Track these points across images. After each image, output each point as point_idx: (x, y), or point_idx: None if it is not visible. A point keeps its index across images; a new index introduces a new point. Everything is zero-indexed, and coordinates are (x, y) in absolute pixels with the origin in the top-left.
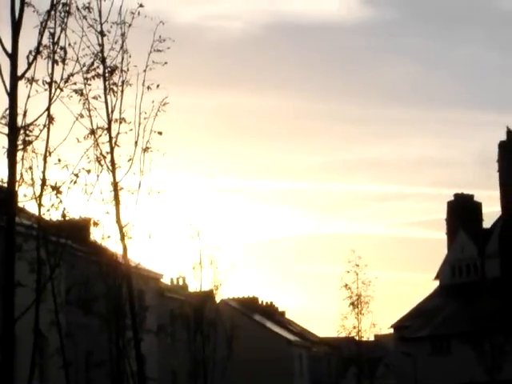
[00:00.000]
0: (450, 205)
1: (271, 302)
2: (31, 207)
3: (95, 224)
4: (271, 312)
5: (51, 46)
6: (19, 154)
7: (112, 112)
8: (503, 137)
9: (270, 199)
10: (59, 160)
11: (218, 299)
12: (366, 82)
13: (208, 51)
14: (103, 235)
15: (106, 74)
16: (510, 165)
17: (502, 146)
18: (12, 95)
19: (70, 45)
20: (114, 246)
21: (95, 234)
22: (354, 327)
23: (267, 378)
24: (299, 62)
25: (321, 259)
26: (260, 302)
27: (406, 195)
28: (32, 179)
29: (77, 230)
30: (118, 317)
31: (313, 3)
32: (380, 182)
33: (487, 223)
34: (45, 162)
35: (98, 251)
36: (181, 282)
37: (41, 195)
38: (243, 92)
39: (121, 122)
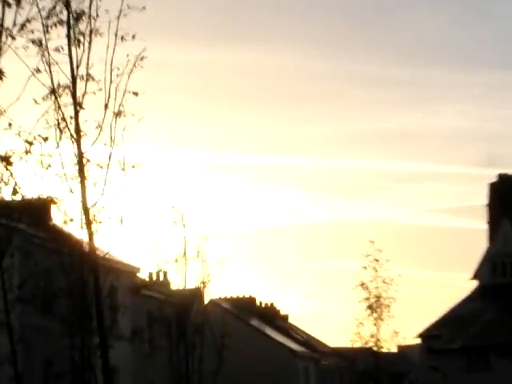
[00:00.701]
0: (493, 187)
1: (271, 304)
2: None
3: (54, 203)
4: (271, 316)
5: None
6: None
7: (77, 67)
8: None
9: (270, 179)
10: (10, 124)
11: (206, 299)
12: (389, 36)
13: None
14: (65, 218)
15: (71, 21)
16: None
17: None
18: None
19: None
20: (78, 231)
21: (56, 217)
22: (372, 336)
23: None
24: (305, 11)
25: (332, 252)
26: (258, 304)
27: (439, 175)
28: None
29: (34, 212)
30: (83, 319)
31: None
32: (407, 158)
33: None
34: None
35: (59, 238)
36: (161, 278)
37: None
38: (237, 47)
39: (88, 80)
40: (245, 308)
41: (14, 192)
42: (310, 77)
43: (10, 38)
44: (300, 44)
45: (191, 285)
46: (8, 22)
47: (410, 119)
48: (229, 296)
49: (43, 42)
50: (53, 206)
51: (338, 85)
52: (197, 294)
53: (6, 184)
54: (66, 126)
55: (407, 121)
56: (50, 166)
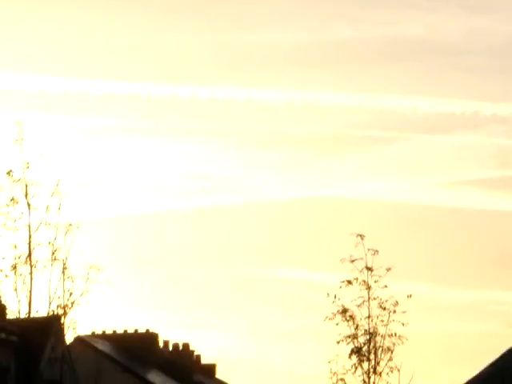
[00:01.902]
0: None
1: (185, 345)
2: None
3: None
4: (186, 367)
5: None
6: None
7: None
8: None
9: (188, 126)
10: None
11: (68, 336)
12: None
13: None
14: None
15: None
16: None
17: None
18: None
19: None
20: None
21: None
22: None
23: None
24: None
25: (289, 255)
26: (162, 345)
27: (477, 123)
28: None
29: None
30: None
31: None
32: (424, 92)
33: None
34: None
35: None
36: None
37: None
38: None
39: None
40: (139, 352)
41: None
42: None
43: None
44: None
45: (42, 311)
46: None
47: (430, 23)
48: (110, 330)
49: None
50: None
51: None
52: (52, 326)
53: None
54: None
55: (427, 26)
56: None
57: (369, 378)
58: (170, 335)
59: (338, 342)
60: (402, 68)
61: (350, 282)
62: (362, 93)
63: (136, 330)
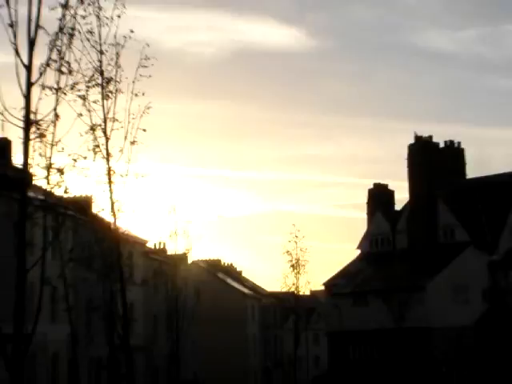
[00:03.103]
0: (370, 192)
1: (231, 264)
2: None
3: (91, 200)
4: (231, 271)
5: (58, 60)
6: (34, 144)
7: (107, 113)
8: (412, 140)
9: (233, 185)
10: (63, 148)
11: (189, 260)
12: (310, 95)
13: (188, 70)
14: (99, 208)
15: (104, 84)
16: (417, 162)
17: (411, 147)
18: (27, 98)
19: (76, 60)
20: (109, 217)
21: (94, 207)
22: (294, 284)
23: (227, 323)
24: (258, 80)
25: (270, 231)
26: (223, 264)
27: (339, 184)
28: (49, 163)
29: (80, 204)
30: (111, 272)
31: (269, 34)
32: (318, 173)
33: (398, 206)
34: (51, 149)
35: (96, 220)
36: (161, 246)
37: (48, 175)
38: (215, 102)
39: (114, 121)
40: (214, 266)
41: (65, 191)
42: (261, 120)
43: (63, 94)
44: (256, 102)
45: (180, 251)
46: (62, 84)
47: (321, 148)
48: (204, 258)
49: (86, 96)
50: (93, 200)
51: (278, 126)
52: (183, 257)
53: (59, 186)
54: (100, 150)
55: (320, 149)
56: (86, 175)
57: (296, 275)
58: (226, 260)
59: (286, 262)
60: (322, 169)
61: (289, 241)
62: (305, 178)
63: (212, 259)
